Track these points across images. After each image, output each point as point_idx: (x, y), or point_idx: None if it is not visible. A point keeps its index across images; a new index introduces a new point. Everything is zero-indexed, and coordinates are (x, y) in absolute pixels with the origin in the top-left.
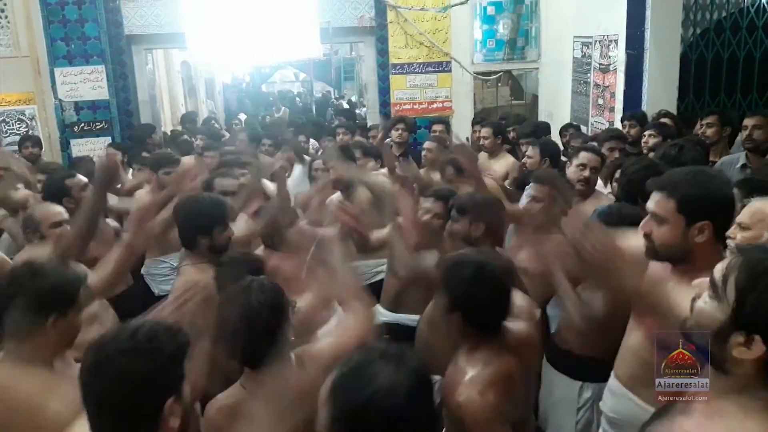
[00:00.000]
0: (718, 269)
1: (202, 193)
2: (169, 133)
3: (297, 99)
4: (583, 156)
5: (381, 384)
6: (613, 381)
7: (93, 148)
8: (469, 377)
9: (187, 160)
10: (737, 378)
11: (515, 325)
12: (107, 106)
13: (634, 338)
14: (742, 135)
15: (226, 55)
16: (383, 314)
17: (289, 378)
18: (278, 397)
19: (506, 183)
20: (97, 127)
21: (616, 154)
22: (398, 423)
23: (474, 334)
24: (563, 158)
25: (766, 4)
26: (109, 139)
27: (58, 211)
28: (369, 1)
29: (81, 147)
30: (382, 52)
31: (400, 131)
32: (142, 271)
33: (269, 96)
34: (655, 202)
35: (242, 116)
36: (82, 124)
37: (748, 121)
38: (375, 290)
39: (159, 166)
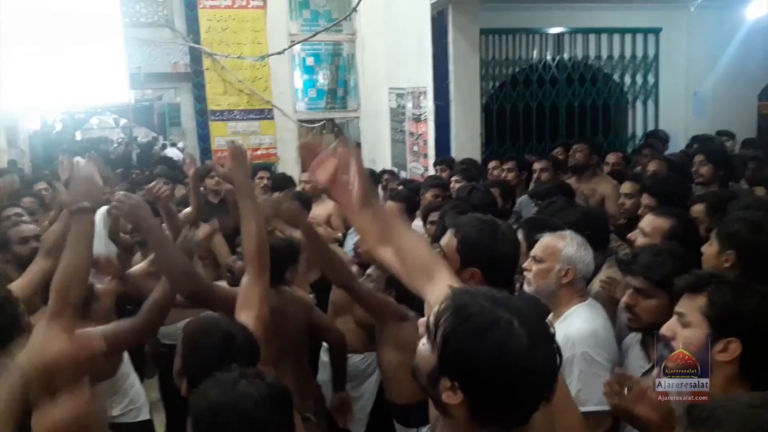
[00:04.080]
0: (433, 312)
1: None
2: None
3: (114, 145)
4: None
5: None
6: None
7: None
8: None
9: None
10: (456, 421)
11: None
12: None
13: None
14: (533, 177)
15: (22, 100)
16: None
17: None
18: None
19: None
20: None
21: (439, 200)
22: None
23: None
24: None
25: (550, 62)
26: None
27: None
28: (183, 48)
29: None
30: (200, 98)
31: (215, 179)
32: None
33: (78, 144)
34: (446, 235)
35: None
36: None
37: (536, 166)
38: None
39: None
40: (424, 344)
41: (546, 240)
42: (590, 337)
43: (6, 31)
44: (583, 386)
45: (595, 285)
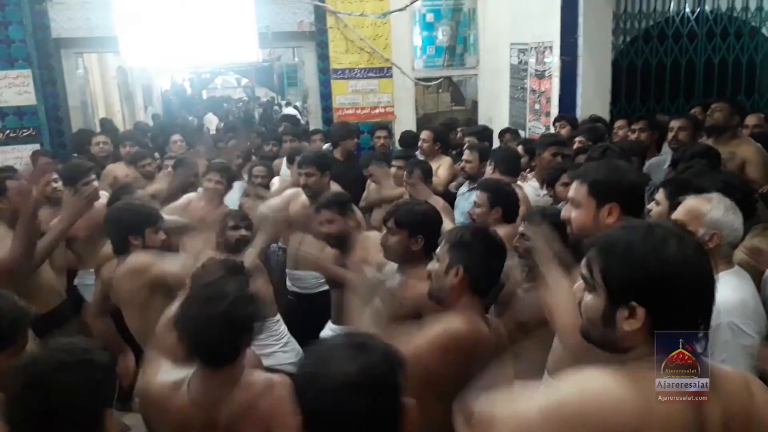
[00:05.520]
0: (583, 265)
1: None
2: None
3: (239, 104)
4: None
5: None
6: (545, 374)
7: (19, 156)
8: None
9: (114, 168)
10: (634, 352)
11: None
12: (35, 112)
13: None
14: (669, 137)
15: (161, 59)
16: (332, 329)
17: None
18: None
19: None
20: (24, 134)
21: (559, 159)
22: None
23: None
24: None
25: (689, 14)
26: (37, 147)
27: None
28: (308, 6)
29: (6, 155)
30: (323, 57)
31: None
32: (75, 282)
33: (203, 102)
34: (572, 189)
35: (211, 117)
36: (8, 131)
37: (674, 124)
38: (318, 302)
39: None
40: (586, 298)
41: (690, 203)
42: (738, 307)
43: None
44: (728, 356)
45: (737, 254)
